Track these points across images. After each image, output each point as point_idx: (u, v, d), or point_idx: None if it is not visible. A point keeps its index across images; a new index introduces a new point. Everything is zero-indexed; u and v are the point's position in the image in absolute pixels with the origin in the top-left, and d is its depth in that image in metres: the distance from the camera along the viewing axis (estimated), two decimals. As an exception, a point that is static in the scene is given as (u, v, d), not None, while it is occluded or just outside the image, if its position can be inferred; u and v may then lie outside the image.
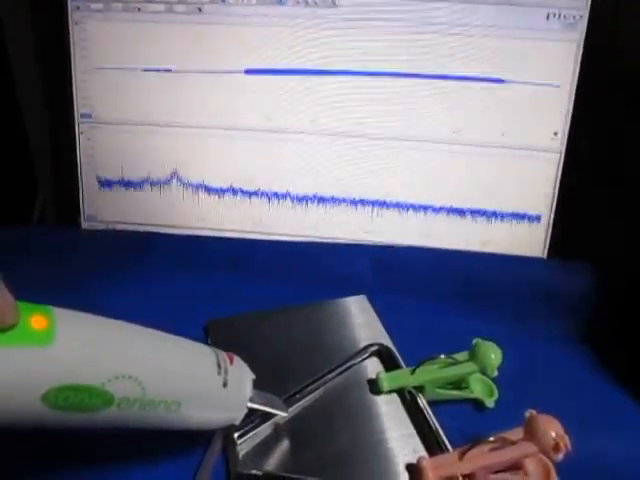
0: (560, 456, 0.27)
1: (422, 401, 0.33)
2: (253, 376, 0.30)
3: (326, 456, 0.30)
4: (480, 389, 0.35)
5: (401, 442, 0.31)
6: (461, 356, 0.34)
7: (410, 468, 0.29)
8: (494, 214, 0.52)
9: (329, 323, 0.41)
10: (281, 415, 0.31)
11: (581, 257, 0.48)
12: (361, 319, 0.41)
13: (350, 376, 0.36)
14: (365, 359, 0.37)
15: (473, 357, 0.33)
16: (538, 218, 0.52)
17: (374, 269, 0.48)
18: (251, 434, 0.31)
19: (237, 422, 0.29)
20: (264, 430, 0.31)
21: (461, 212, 0.52)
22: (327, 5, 0.50)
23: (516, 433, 0.28)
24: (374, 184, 0.53)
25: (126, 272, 0.46)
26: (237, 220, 0.55)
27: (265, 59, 0.51)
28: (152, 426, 0.26)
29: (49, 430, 0.23)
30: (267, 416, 0.31)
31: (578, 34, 0.48)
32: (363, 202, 0.53)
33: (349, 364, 0.36)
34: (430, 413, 0.32)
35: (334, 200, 0.53)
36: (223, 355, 0.29)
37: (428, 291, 0.45)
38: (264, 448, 0.31)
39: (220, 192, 0.54)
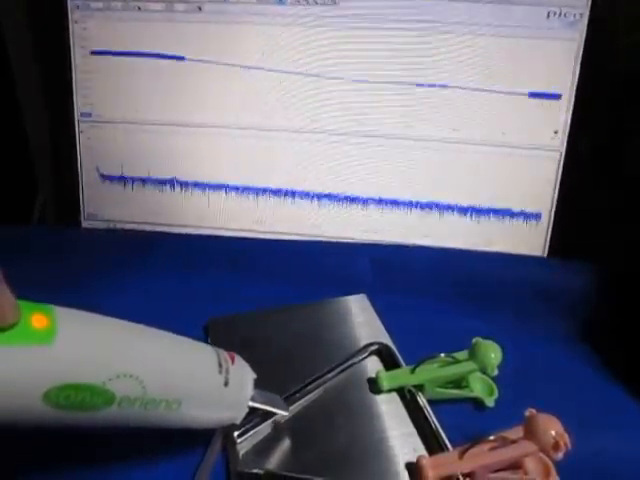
0: (560, 455, 0.27)
1: (422, 400, 0.33)
2: (254, 375, 0.30)
3: (326, 455, 0.30)
4: (480, 388, 0.35)
5: (401, 441, 0.31)
6: (461, 355, 0.34)
7: (410, 467, 0.29)
8: (494, 213, 0.52)
9: (329, 322, 0.41)
10: (282, 414, 0.31)
11: (581, 256, 0.48)
12: (361, 318, 0.41)
13: (350, 375, 0.36)
14: (365, 358, 0.37)
15: (473, 356, 0.33)
16: (538, 217, 0.52)
17: (374, 268, 0.48)
18: (251, 433, 0.31)
19: (238, 421, 0.29)
20: (264, 429, 0.31)
21: (461, 211, 0.52)
22: (328, 4, 0.50)
23: (516, 432, 0.28)
24: (374, 183, 0.53)
25: (126, 271, 0.46)
26: (238, 219, 0.55)
27: (265, 58, 0.51)
28: (153, 425, 0.26)
29: (49, 430, 0.23)
30: (267, 415, 0.31)
31: (578, 33, 0.48)
32: (363, 201, 0.53)
33: (349, 363, 0.36)
34: (430, 412, 0.32)
35: (334, 199, 0.53)
36: (224, 354, 0.29)
37: (428, 290, 0.45)
38: (264, 447, 0.31)
39: (220, 191, 0.54)
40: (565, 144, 0.50)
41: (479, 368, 0.33)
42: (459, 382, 0.34)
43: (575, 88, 0.49)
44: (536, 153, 0.51)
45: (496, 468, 0.28)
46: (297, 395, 0.33)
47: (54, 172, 0.58)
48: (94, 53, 0.53)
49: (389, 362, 0.36)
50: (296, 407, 0.33)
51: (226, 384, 0.28)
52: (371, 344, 0.38)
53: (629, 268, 0.46)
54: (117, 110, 0.54)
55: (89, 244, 0.54)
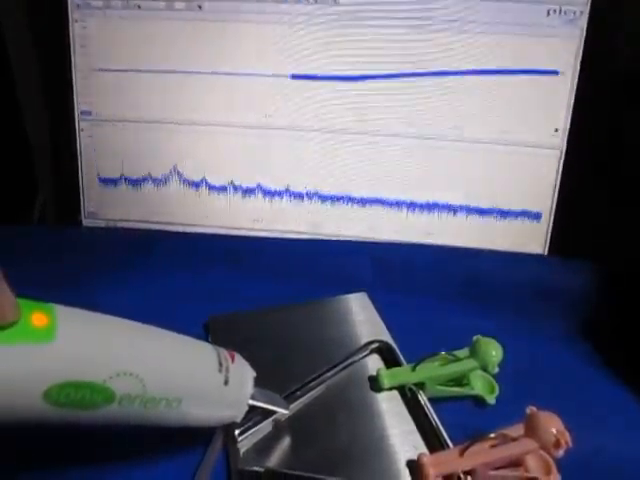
0: (561, 452, 0.27)
1: (423, 398, 0.33)
2: (254, 374, 0.30)
3: (327, 453, 0.30)
4: (481, 386, 0.35)
5: (402, 439, 0.31)
6: (462, 353, 0.34)
7: (411, 465, 0.29)
8: (494, 211, 0.52)
9: (330, 320, 0.41)
10: (282, 412, 0.31)
11: (581, 254, 0.48)
12: (362, 316, 0.41)
13: (351, 373, 0.36)
14: (366, 356, 0.37)
15: (474, 354, 0.33)
16: (539, 215, 0.52)
17: (375, 266, 0.48)
18: (252, 431, 0.31)
19: (238, 420, 0.29)
20: (265, 427, 0.31)
21: (461, 209, 0.52)
22: (328, 3, 0.50)
23: (517, 429, 0.28)
24: (374, 181, 0.53)
25: (127, 270, 0.46)
26: (238, 217, 0.55)
27: (264, 57, 0.51)
28: (153, 423, 0.26)
29: (49, 429, 0.23)
30: (268, 413, 0.31)
31: (579, 30, 0.48)
32: (363, 200, 0.53)
33: (350, 361, 0.36)
34: (431, 410, 0.32)
35: (335, 197, 0.53)
36: (224, 353, 0.29)
37: (429, 288, 0.45)
38: (265, 445, 0.31)
39: (220, 189, 0.54)
40: (566, 142, 0.50)
41: (480, 366, 0.33)
42: (460, 380, 0.34)
43: (575, 86, 0.49)
44: (536, 151, 0.50)
45: (497, 466, 0.28)
46: (298, 393, 0.33)
47: (54, 172, 0.58)
48: (94, 51, 0.53)
49: (390, 360, 0.36)
50: (297, 405, 0.33)
51: (226, 383, 0.28)
52: (372, 342, 0.38)
53: (629, 268, 0.46)
54: (117, 108, 0.54)
55: (89, 243, 0.54)
